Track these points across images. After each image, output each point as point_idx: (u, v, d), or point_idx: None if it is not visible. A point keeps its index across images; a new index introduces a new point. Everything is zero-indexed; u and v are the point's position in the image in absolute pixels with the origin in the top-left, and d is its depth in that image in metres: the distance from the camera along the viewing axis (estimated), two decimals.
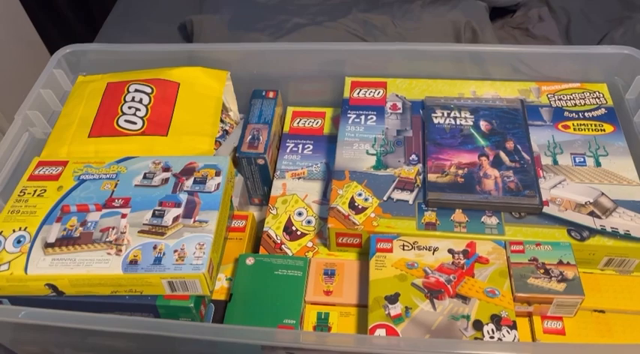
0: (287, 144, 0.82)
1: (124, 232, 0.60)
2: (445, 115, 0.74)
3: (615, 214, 0.63)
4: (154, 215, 0.62)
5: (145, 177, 0.66)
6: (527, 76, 0.79)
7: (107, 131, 0.72)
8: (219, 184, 0.65)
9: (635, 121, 0.73)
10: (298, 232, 0.71)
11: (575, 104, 0.75)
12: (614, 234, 0.61)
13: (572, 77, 0.78)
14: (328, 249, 0.68)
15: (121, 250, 0.58)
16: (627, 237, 0.61)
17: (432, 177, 0.67)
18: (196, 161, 0.68)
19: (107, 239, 0.59)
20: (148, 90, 0.77)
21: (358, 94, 0.79)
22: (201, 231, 0.60)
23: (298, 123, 0.84)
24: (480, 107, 0.75)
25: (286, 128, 0.84)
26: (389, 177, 0.69)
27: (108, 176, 0.67)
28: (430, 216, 0.64)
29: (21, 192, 0.65)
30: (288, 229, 0.71)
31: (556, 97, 0.76)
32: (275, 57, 0.84)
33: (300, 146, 0.81)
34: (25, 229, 0.61)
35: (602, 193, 0.65)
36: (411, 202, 0.66)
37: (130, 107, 0.75)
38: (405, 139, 0.73)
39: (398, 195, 0.67)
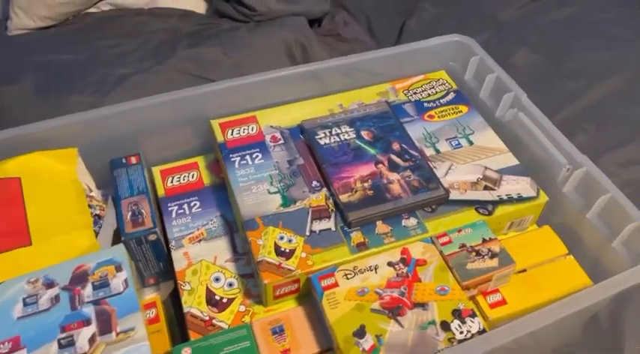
0: (169, 208, 0.73)
1: None
2: (328, 133, 0.74)
3: (503, 183, 0.70)
4: (60, 346, 0.50)
5: (25, 304, 0.53)
6: (380, 79, 0.83)
7: None
8: (126, 280, 0.55)
9: (481, 97, 0.82)
10: (224, 300, 0.64)
11: (429, 94, 0.82)
12: (509, 200, 0.68)
13: (415, 71, 0.85)
14: (265, 305, 0.63)
15: None
16: (520, 199, 0.68)
17: (343, 198, 0.66)
18: (84, 262, 0.57)
19: None
20: None
21: (232, 134, 0.75)
22: (132, 342, 0.50)
23: (172, 181, 0.76)
24: (355, 118, 0.76)
25: (160, 191, 0.75)
26: (302, 210, 0.66)
27: None
28: (357, 236, 0.64)
29: None
30: (212, 301, 0.64)
31: (411, 91, 0.82)
32: (121, 118, 0.74)
33: (186, 206, 0.73)
34: None
35: (486, 167, 0.71)
36: (333, 228, 0.64)
37: None
38: (298, 167, 0.71)
39: (318, 225, 0.65)
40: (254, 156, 0.72)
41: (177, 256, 0.68)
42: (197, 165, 0.78)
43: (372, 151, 0.72)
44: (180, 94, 0.76)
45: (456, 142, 0.75)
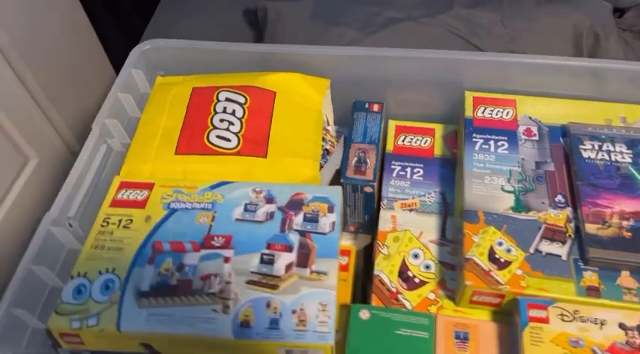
0: (392, 166, 0.70)
1: (230, 282, 0.50)
2: (596, 147, 0.62)
3: None
4: (262, 261, 0.52)
5: (246, 209, 0.56)
6: None
7: (197, 148, 0.62)
8: (334, 224, 0.55)
9: None
10: (416, 280, 0.60)
11: None
12: None
13: None
14: (456, 304, 0.58)
15: (228, 307, 0.48)
16: None
17: (590, 228, 0.55)
18: (303, 191, 0.58)
19: (210, 290, 0.50)
20: (241, 99, 0.66)
21: (483, 113, 0.68)
22: (321, 286, 0.50)
23: (404, 141, 0.73)
24: (637, 139, 0.62)
25: (389, 146, 0.72)
26: (532, 222, 0.57)
27: (202, 206, 0.57)
28: (592, 278, 0.53)
29: (104, 221, 0.56)
30: (404, 275, 0.61)
31: None
32: (378, 63, 0.72)
33: (409, 170, 0.70)
34: (113, 272, 0.51)
35: None
36: (564, 257, 0.55)
37: (221, 120, 0.64)
38: (546, 174, 0.61)
39: (547, 247, 0.56)
40: (499, 144, 0.65)
41: (384, 216, 0.66)
42: (433, 132, 0.74)
43: None
44: (439, 55, 0.71)
45: None
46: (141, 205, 0.57)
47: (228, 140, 0.62)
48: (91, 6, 0.94)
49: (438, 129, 0.74)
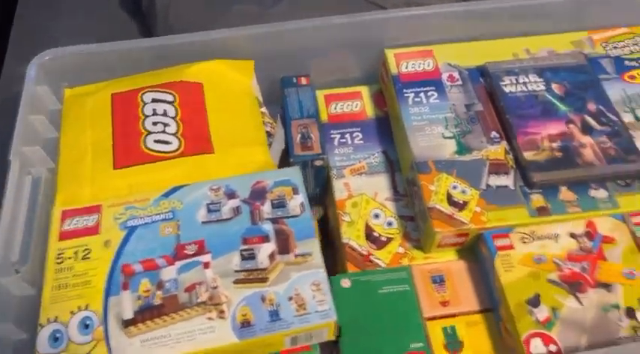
0: (332, 135, 0.71)
1: (217, 287, 0.49)
2: (514, 81, 0.67)
3: None
4: (243, 258, 0.51)
5: (209, 210, 0.54)
6: (576, 26, 0.74)
7: (137, 158, 0.58)
8: (303, 204, 0.55)
9: None
10: (383, 238, 0.63)
11: (632, 51, 0.72)
12: None
13: (619, 21, 0.74)
14: (425, 252, 0.61)
15: (223, 312, 0.47)
16: None
17: (528, 155, 0.61)
18: (263, 179, 0.57)
19: (199, 300, 0.48)
20: (169, 98, 0.63)
21: (407, 68, 0.70)
22: (309, 267, 0.51)
23: (336, 108, 0.74)
24: (545, 67, 0.69)
25: (324, 117, 0.73)
26: (477, 161, 0.62)
27: (162, 217, 0.54)
28: (538, 199, 0.59)
29: (57, 258, 0.51)
30: (371, 237, 0.63)
31: (610, 45, 0.72)
32: (296, 35, 0.72)
33: (348, 136, 0.71)
34: (87, 308, 0.48)
35: None
36: (512, 186, 0.60)
37: (154, 123, 0.61)
38: (477, 114, 0.66)
39: (495, 181, 0.60)
40: (429, 94, 0.68)
41: (338, 185, 0.67)
42: (360, 94, 0.75)
43: (563, 108, 0.65)
44: (355, 19, 0.72)
45: None
46: (93, 231, 0.53)
47: (169, 143, 0.59)
48: None
49: (364, 90, 0.76)
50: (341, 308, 0.55)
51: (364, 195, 0.66)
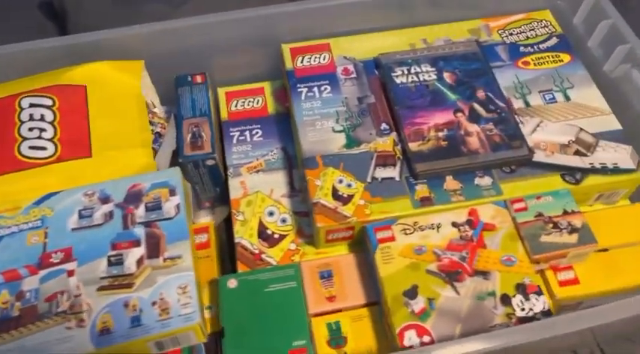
0: (231, 133, 0.70)
1: (79, 295, 0.48)
2: (406, 71, 0.67)
3: (599, 149, 0.61)
4: (110, 263, 0.50)
5: (81, 216, 0.53)
6: (473, 14, 0.74)
7: (9, 165, 0.57)
8: (178, 206, 0.54)
9: (589, 45, 0.71)
10: (275, 236, 0.62)
11: (527, 37, 0.72)
12: (603, 170, 0.60)
13: (516, 8, 0.74)
14: (316, 247, 0.61)
15: (83, 320, 0.46)
16: (616, 170, 0.60)
17: (413, 146, 0.61)
18: (140, 181, 0.56)
19: (59, 309, 0.47)
20: (48, 102, 0.61)
21: (302, 62, 0.69)
22: (177, 270, 0.50)
23: (236, 105, 0.73)
24: (439, 57, 0.68)
25: (224, 114, 0.72)
26: (365, 154, 0.61)
27: (30, 225, 0.52)
28: (423, 189, 0.59)
29: None
30: (264, 234, 0.62)
31: (507, 32, 0.72)
32: (193, 32, 0.70)
33: (247, 133, 0.70)
34: None
35: (581, 129, 0.63)
36: (397, 178, 0.60)
37: (30, 129, 0.59)
38: (369, 106, 0.65)
39: (381, 173, 0.60)
40: (322, 88, 0.67)
41: (233, 184, 0.66)
42: (263, 91, 0.74)
43: (452, 96, 0.65)
44: (250, 13, 0.71)
45: (550, 96, 0.66)
46: None
47: (44, 149, 0.58)
48: None
49: (267, 87, 0.75)
50: (225, 309, 0.55)
51: (259, 193, 0.65)
